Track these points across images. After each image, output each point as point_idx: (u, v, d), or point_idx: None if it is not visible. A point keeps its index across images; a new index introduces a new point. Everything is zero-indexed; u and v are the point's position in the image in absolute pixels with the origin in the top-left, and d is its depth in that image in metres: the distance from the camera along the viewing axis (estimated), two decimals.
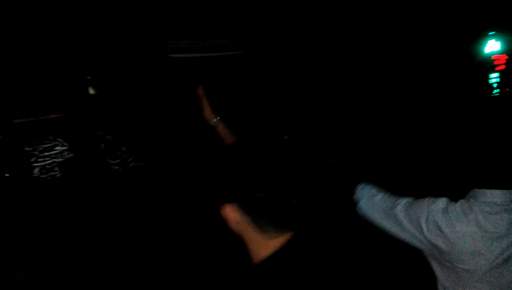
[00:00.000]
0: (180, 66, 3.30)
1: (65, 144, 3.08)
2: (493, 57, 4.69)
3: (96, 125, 3.20)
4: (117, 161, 3.27)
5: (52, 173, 3.03)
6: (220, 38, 3.51)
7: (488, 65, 4.71)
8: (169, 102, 3.30)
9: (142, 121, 3.30)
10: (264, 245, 0.95)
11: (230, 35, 3.54)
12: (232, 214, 0.97)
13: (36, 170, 2.98)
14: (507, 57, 4.71)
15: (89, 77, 3.07)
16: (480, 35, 4.65)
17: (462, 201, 1.38)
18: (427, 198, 1.43)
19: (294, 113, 3.96)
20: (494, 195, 1.32)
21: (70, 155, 3.08)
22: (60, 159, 3.05)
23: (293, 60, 3.93)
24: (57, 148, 3.05)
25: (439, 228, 1.33)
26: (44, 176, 3.00)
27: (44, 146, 3.01)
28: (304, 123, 3.98)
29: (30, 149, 2.97)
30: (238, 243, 1.01)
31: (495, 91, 4.71)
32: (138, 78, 3.17)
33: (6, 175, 2.90)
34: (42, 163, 3.00)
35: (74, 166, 3.09)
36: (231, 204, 0.96)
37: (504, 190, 1.33)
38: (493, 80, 4.77)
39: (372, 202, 1.56)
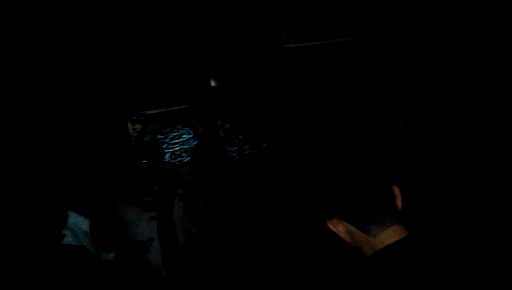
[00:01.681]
0: (293, 56, 3.36)
1: (191, 132, 3.39)
2: None
3: (216, 115, 3.44)
4: (235, 148, 3.49)
5: (180, 159, 3.38)
6: (331, 25, 3.47)
7: None
8: (284, 92, 3.39)
9: (258, 110, 3.45)
10: (376, 243, 0.93)
11: (341, 21, 3.47)
12: (339, 226, 0.98)
13: (167, 156, 3.35)
14: None
15: (210, 70, 3.32)
16: None
17: None
18: None
19: (410, 101, 3.72)
20: None
21: (194, 143, 3.39)
22: (186, 146, 3.38)
23: (408, 43, 3.68)
24: (184, 136, 3.38)
25: None
26: (174, 161, 3.36)
27: (173, 134, 3.36)
28: (420, 111, 3.72)
29: (162, 137, 3.34)
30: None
31: None
32: (255, 70, 3.32)
33: (144, 161, 3.31)
34: (172, 150, 3.36)
35: (198, 153, 3.39)
36: (334, 218, 0.98)
37: None
38: None
39: None
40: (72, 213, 1.85)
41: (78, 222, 1.87)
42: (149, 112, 3.27)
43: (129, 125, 3.21)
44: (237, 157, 3.49)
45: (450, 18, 3.47)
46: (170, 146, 3.34)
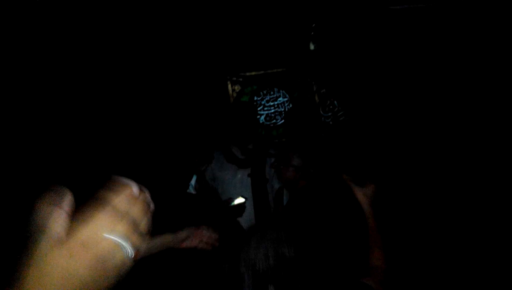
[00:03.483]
0: (400, 19, 3.15)
1: (286, 95, 3.43)
2: None
3: (313, 79, 3.42)
4: (329, 114, 3.46)
5: (274, 121, 3.45)
6: None
7: None
8: (387, 58, 3.22)
9: (357, 77, 3.34)
10: None
11: None
12: None
13: (262, 117, 3.44)
14: None
15: (312, 33, 3.28)
16: None
17: None
18: None
19: None
20: None
21: (289, 106, 3.43)
22: (281, 109, 3.43)
23: None
24: (279, 99, 3.43)
25: None
26: (268, 123, 3.45)
27: (269, 96, 3.43)
28: None
29: (259, 98, 3.43)
30: None
31: None
32: (357, 33, 3.19)
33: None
34: (267, 112, 3.44)
35: (292, 116, 3.43)
36: None
37: None
38: None
39: None
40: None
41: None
42: (248, 74, 3.36)
43: (229, 86, 3.34)
44: (331, 123, 3.47)
45: None
46: (265, 108, 3.42)
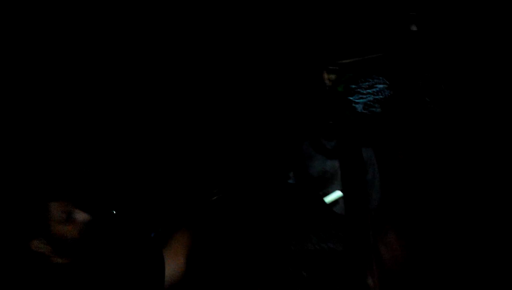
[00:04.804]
0: None
1: (386, 82, 3.25)
2: None
3: (415, 62, 3.20)
4: (434, 99, 3.21)
5: (372, 109, 3.31)
6: None
7: None
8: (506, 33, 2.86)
9: (466, 56, 3.04)
10: None
11: None
12: None
13: (359, 106, 3.32)
14: None
15: (413, 13, 3.06)
16: None
17: None
18: None
19: None
20: None
21: (389, 93, 3.25)
22: (380, 96, 3.27)
23: None
24: (378, 85, 3.27)
25: None
26: (366, 111, 3.32)
27: (366, 83, 3.29)
28: None
29: (355, 86, 3.31)
30: None
31: None
32: (469, 8, 2.89)
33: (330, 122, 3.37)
34: (364, 100, 3.31)
35: (392, 103, 3.25)
36: None
37: None
38: None
39: None
40: None
41: None
42: (344, 61, 3.26)
43: (325, 75, 3.29)
44: (436, 108, 3.22)
45: None
46: (363, 96, 3.30)
